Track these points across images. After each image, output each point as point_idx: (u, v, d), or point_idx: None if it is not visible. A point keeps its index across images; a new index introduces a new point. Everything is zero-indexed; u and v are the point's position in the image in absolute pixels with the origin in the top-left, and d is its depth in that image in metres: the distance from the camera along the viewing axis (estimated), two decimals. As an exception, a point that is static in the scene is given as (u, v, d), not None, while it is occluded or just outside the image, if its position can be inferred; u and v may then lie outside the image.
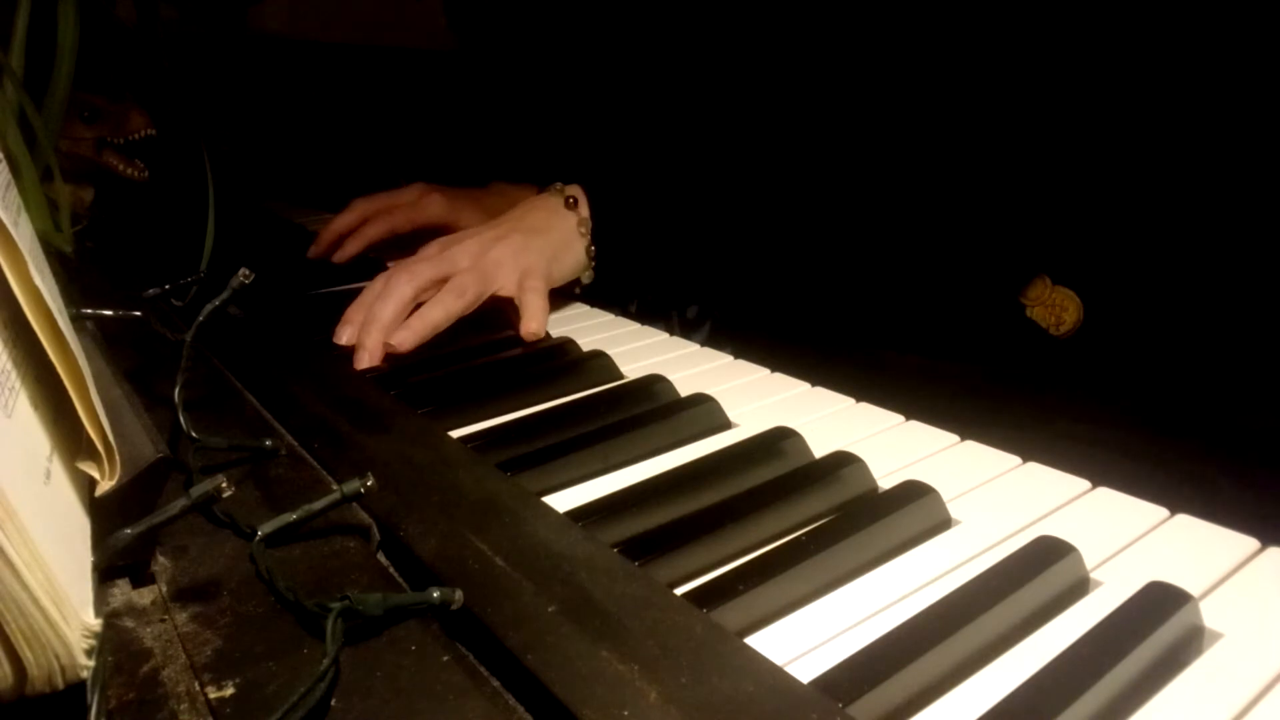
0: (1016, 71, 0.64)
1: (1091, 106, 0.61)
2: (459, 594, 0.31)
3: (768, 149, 0.75)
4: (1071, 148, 0.62)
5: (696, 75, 0.86)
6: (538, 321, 0.65)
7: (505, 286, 0.67)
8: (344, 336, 0.63)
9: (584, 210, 0.71)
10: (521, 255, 0.68)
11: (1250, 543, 0.38)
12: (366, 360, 0.60)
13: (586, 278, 0.73)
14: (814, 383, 0.55)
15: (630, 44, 0.93)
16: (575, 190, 0.72)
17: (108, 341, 0.53)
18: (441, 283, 0.65)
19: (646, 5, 0.91)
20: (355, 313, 0.64)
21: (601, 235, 0.71)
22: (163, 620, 0.31)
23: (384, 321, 0.62)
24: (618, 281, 0.74)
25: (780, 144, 0.75)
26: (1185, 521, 0.40)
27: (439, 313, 0.63)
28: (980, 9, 0.65)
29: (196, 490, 0.31)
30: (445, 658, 0.29)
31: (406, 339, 0.61)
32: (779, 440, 0.46)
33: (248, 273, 0.44)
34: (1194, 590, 0.34)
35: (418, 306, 0.64)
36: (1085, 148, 0.62)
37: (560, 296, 0.73)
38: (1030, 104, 0.63)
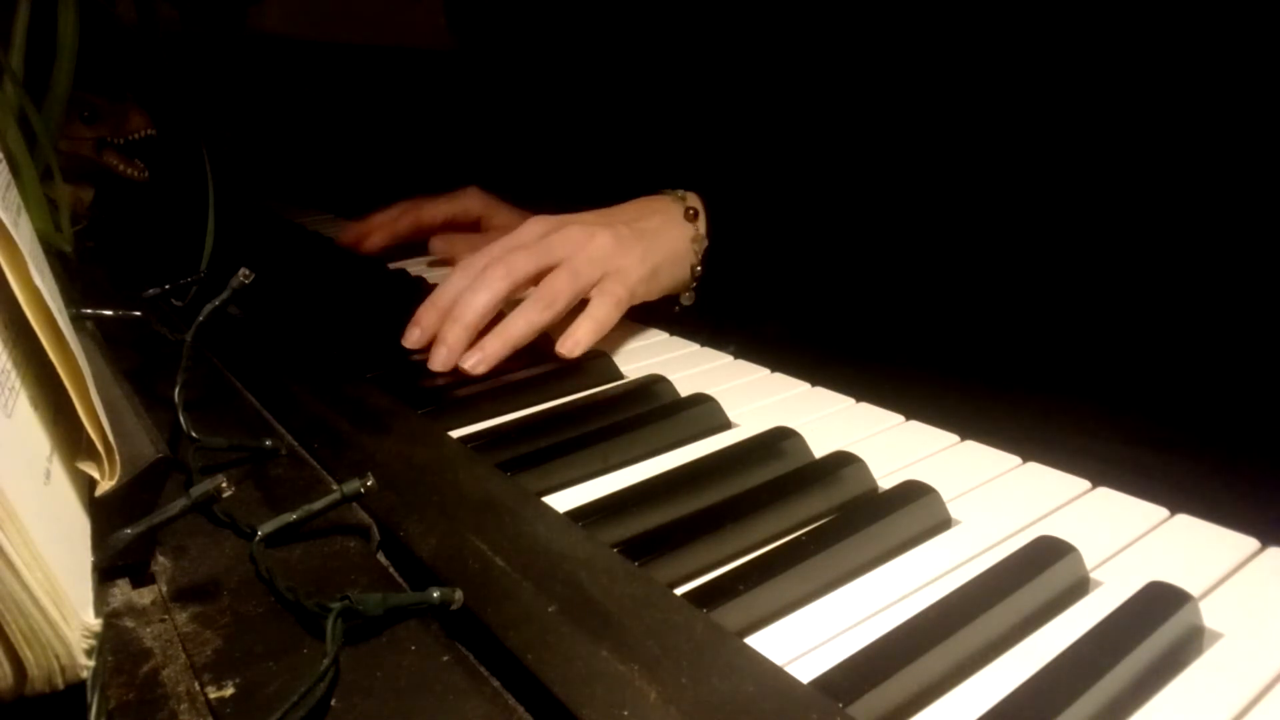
0: (1021, 75, 0.63)
1: (1093, 105, 0.61)
2: (459, 594, 0.31)
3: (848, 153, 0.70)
4: (1076, 149, 0.62)
5: (736, 71, 0.84)
6: (575, 340, 0.56)
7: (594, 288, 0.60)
8: (413, 339, 0.58)
9: (701, 226, 0.64)
10: (625, 254, 0.60)
11: (1250, 543, 0.38)
12: (448, 360, 0.55)
13: (687, 299, 0.65)
14: (814, 382, 0.55)
15: (640, 45, 0.93)
16: (695, 201, 0.65)
17: (108, 341, 0.53)
18: (537, 277, 0.58)
19: (656, 4, 0.90)
20: (428, 314, 0.58)
21: (716, 256, 0.63)
22: (163, 620, 0.31)
23: (471, 320, 0.55)
24: (710, 305, 0.67)
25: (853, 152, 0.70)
26: (1185, 521, 0.40)
27: (522, 327, 0.56)
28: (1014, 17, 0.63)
29: (196, 490, 0.31)
30: (445, 658, 0.29)
31: (482, 363, 0.55)
32: (779, 440, 0.46)
33: (248, 273, 0.44)
34: (1194, 590, 0.34)
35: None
36: (1088, 149, 0.62)
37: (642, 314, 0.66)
38: (1037, 104, 0.63)
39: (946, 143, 0.66)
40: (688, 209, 0.64)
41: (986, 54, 0.65)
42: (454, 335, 0.55)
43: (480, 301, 0.56)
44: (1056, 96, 0.62)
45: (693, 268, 0.64)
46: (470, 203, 0.84)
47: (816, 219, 0.67)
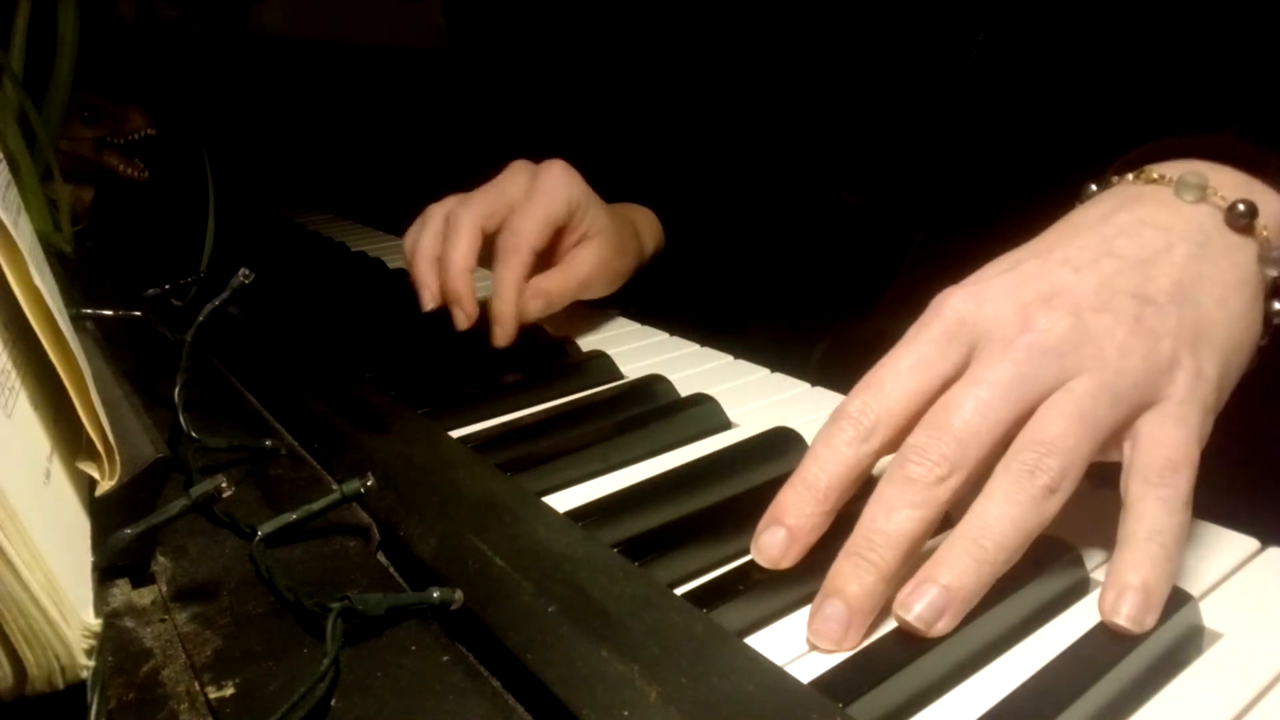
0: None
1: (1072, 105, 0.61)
2: (459, 594, 0.31)
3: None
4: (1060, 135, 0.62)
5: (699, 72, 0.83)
6: (1136, 610, 0.31)
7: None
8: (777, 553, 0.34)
9: (1273, 224, 0.35)
10: (1163, 361, 0.33)
11: (1250, 543, 0.38)
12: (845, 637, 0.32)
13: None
14: (814, 382, 0.55)
15: (634, 44, 0.93)
16: (1232, 179, 0.36)
17: (108, 341, 0.53)
18: None
19: (646, 6, 0.90)
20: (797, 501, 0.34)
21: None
22: (163, 620, 0.31)
23: (899, 556, 0.32)
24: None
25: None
26: (1185, 521, 0.40)
27: (1006, 558, 0.32)
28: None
29: (196, 490, 0.31)
30: (445, 658, 0.29)
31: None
32: (779, 440, 0.46)
33: (248, 273, 0.44)
34: (1194, 590, 0.34)
35: None
36: (1076, 138, 0.62)
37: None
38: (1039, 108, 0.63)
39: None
40: (1235, 206, 0.34)
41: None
42: (865, 583, 0.31)
43: (911, 531, 0.32)
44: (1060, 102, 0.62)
45: (1267, 318, 0.35)
46: (559, 198, 0.55)
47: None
